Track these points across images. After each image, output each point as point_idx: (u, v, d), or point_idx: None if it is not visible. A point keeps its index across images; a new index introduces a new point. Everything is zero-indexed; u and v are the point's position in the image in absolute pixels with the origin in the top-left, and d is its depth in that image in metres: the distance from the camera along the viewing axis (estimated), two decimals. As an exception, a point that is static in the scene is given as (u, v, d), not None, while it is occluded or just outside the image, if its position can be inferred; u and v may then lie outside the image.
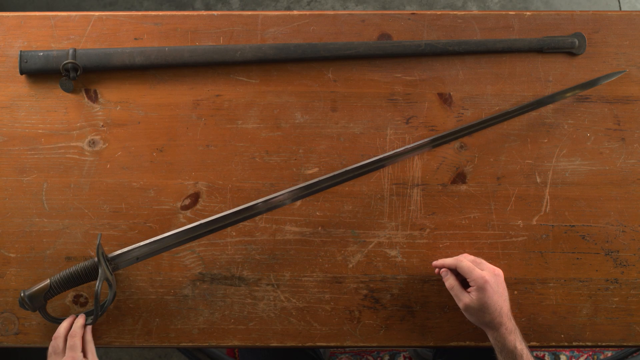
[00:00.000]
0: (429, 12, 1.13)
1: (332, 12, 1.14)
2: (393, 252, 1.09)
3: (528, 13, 1.13)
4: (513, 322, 0.97)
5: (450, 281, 1.01)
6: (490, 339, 0.97)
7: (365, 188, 1.10)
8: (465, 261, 0.99)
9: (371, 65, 1.12)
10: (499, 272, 0.99)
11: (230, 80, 1.12)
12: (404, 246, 1.09)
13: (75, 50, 1.09)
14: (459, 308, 1.08)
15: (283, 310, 1.08)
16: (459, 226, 1.09)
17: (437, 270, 1.05)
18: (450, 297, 1.08)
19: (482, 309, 0.95)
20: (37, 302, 0.99)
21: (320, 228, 1.10)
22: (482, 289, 0.95)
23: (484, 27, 1.12)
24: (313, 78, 1.12)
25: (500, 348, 0.96)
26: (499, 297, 0.96)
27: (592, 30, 1.12)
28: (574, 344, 1.08)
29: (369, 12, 1.14)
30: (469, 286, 0.98)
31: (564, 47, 1.11)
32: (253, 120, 1.11)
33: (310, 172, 1.11)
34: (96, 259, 0.98)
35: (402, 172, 1.10)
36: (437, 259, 1.07)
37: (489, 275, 0.96)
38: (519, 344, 0.95)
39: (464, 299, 0.98)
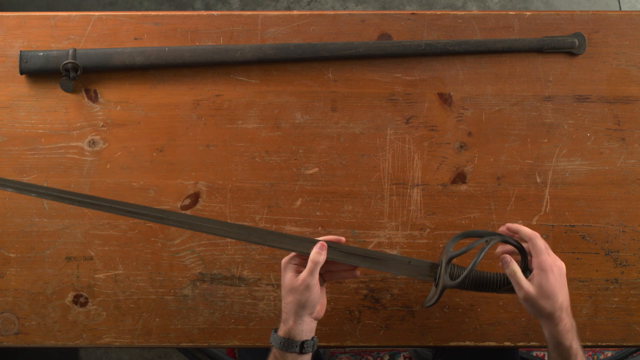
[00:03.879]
0: (429, 12, 1.13)
1: (332, 12, 1.14)
2: (393, 252, 1.09)
3: (528, 13, 1.13)
4: (572, 320, 0.91)
5: (512, 267, 0.90)
6: (545, 332, 0.92)
7: (365, 188, 1.10)
8: (541, 241, 0.90)
9: (371, 65, 1.12)
10: (562, 265, 0.91)
11: (230, 80, 1.12)
12: (404, 246, 1.09)
13: (75, 50, 1.09)
14: (458, 308, 1.08)
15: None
16: (459, 226, 1.09)
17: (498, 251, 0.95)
18: (449, 297, 1.08)
19: (544, 297, 0.88)
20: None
21: (320, 228, 1.10)
22: (545, 275, 0.88)
23: (484, 27, 1.12)
24: (313, 78, 1.12)
25: (555, 344, 0.90)
26: (562, 288, 0.89)
27: (592, 30, 1.12)
28: (574, 344, 1.08)
29: (369, 12, 1.14)
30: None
31: (564, 47, 1.11)
32: (253, 120, 1.11)
33: (310, 172, 1.11)
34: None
35: (402, 172, 1.10)
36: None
37: (555, 264, 0.90)
38: (575, 343, 0.90)
39: (527, 287, 0.88)
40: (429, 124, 1.11)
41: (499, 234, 0.91)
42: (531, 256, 0.91)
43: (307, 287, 0.88)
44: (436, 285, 0.91)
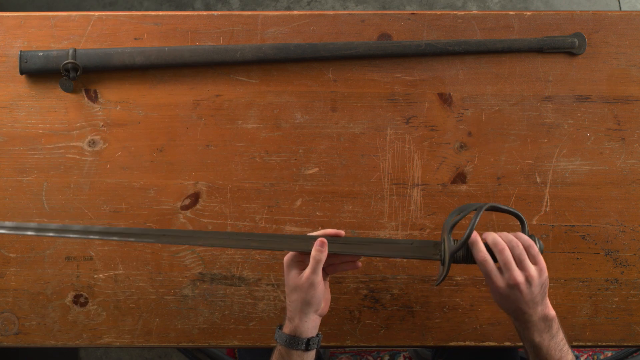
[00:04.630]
0: (429, 12, 1.13)
1: (332, 12, 1.14)
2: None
3: (528, 13, 1.13)
4: (546, 312, 0.88)
5: (482, 254, 0.87)
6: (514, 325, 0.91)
7: (365, 188, 1.10)
8: (507, 252, 0.86)
9: (371, 65, 1.12)
10: (536, 275, 0.86)
11: (230, 80, 1.12)
12: (404, 246, 1.09)
13: (75, 50, 1.09)
14: (458, 308, 1.08)
15: (283, 310, 1.08)
16: (459, 226, 1.09)
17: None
18: (450, 297, 1.08)
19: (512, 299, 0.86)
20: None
21: (320, 228, 1.10)
22: (517, 289, 0.85)
23: (484, 27, 1.12)
24: (313, 78, 1.12)
25: (523, 337, 0.90)
26: (536, 297, 0.86)
27: (592, 30, 1.12)
28: (574, 344, 1.08)
29: (369, 12, 1.14)
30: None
31: (564, 47, 1.11)
32: (253, 120, 1.11)
33: (310, 172, 1.11)
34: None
35: (402, 172, 1.10)
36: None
37: (530, 274, 0.85)
38: (539, 337, 0.88)
39: (498, 282, 0.86)
40: (429, 124, 1.11)
41: (493, 204, 0.90)
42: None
43: (311, 284, 0.88)
44: (442, 263, 0.91)
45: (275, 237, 0.94)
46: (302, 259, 0.92)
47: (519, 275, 0.85)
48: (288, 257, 0.92)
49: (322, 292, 0.90)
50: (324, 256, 0.89)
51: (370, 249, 0.93)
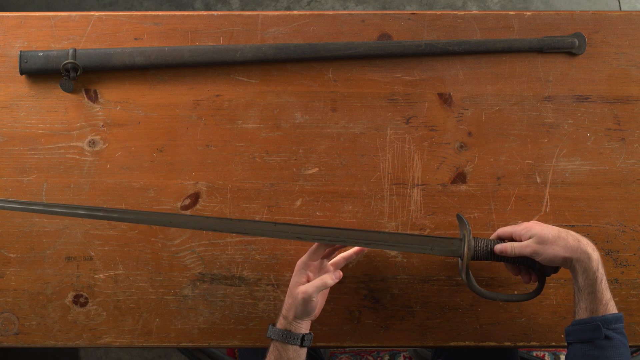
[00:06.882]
0: (429, 12, 1.13)
1: (332, 12, 1.14)
2: (393, 252, 1.09)
3: (528, 13, 1.13)
4: (592, 246, 0.92)
5: (500, 248, 0.95)
6: (573, 274, 0.93)
7: (365, 188, 1.10)
8: (504, 227, 0.99)
9: (371, 65, 1.12)
10: (535, 222, 0.97)
11: (230, 80, 1.12)
12: (404, 246, 1.09)
13: (75, 50, 1.09)
14: (458, 308, 1.08)
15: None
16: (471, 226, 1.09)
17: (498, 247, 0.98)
18: (450, 297, 1.08)
19: (546, 241, 0.91)
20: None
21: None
22: (529, 228, 0.94)
23: (484, 27, 1.12)
24: (313, 78, 1.12)
25: (581, 271, 0.91)
26: (551, 228, 0.93)
27: (592, 30, 1.12)
28: (574, 344, 1.08)
29: (369, 12, 1.14)
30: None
31: (564, 47, 1.11)
32: (253, 120, 1.11)
33: (310, 172, 1.11)
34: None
35: (402, 172, 1.10)
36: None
37: (528, 223, 0.96)
38: (601, 268, 0.91)
39: (527, 244, 0.93)
40: (429, 124, 1.11)
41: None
42: (520, 240, 0.96)
43: (309, 297, 0.92)
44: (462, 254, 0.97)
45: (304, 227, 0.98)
46: (313, 269, 0.96)
47: (524, 224, 0.96)
48: (301, 261, 0.97)
49: (317, 304, 0.95)
50: (332, 283, 0.94)
51: (393, 246, 0.99)
